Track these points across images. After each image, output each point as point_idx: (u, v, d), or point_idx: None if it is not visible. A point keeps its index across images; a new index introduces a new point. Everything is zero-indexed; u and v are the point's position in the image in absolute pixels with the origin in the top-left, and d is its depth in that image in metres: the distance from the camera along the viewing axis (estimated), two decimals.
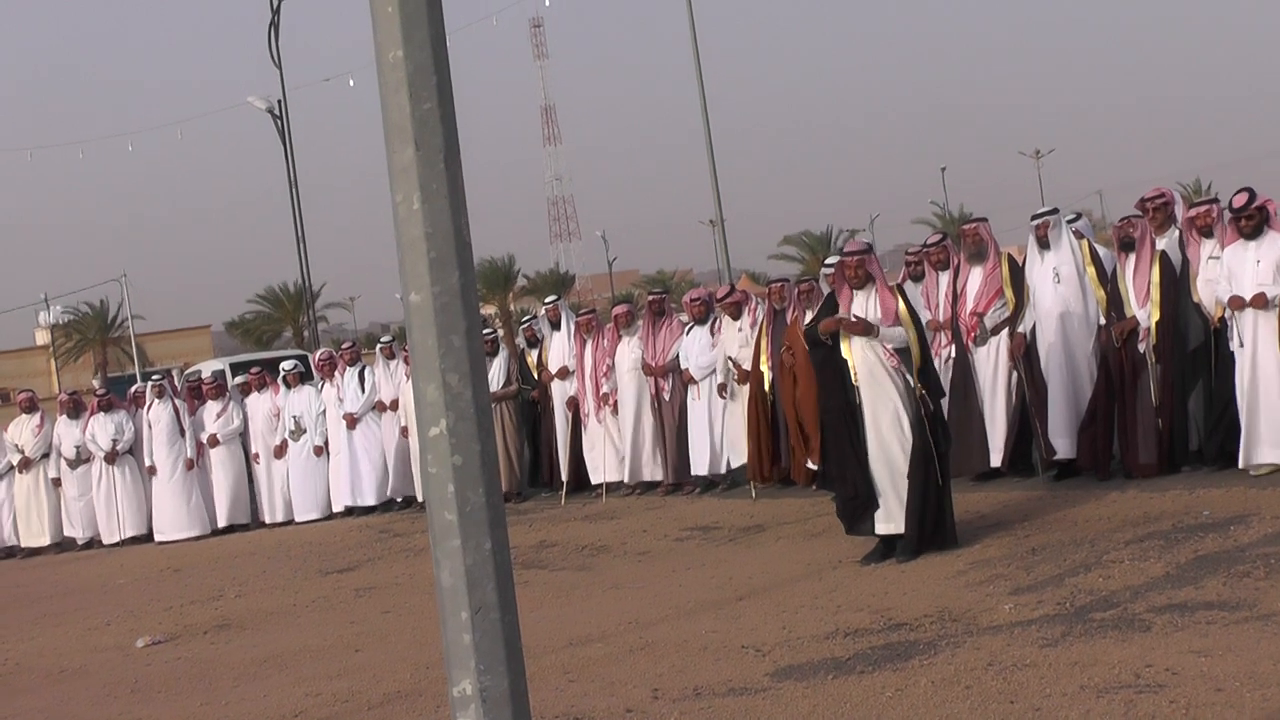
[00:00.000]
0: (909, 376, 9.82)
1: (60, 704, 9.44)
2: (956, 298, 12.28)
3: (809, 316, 10.89)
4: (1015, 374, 11.90)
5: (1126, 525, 9.74)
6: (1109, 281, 11.41)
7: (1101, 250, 12.03)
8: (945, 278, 12.55)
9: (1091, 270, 11.57)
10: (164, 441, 18.02)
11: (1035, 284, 11.71)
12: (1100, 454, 11.39)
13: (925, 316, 12.73)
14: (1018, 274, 11.91)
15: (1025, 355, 11.74)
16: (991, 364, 12.09)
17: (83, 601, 14.12)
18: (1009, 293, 11.89)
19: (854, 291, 10.02)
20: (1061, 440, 11.56)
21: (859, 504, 10.01)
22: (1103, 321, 11.43)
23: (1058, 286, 11.59)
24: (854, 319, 9.85)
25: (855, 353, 9.90)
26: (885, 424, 9.83)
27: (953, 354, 12.30)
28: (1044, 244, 11.73)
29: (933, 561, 9.67)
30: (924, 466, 9.80)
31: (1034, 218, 11.88)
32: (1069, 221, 12.27)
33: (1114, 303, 11.29)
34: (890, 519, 9.90)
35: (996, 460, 12.14)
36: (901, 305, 9.91)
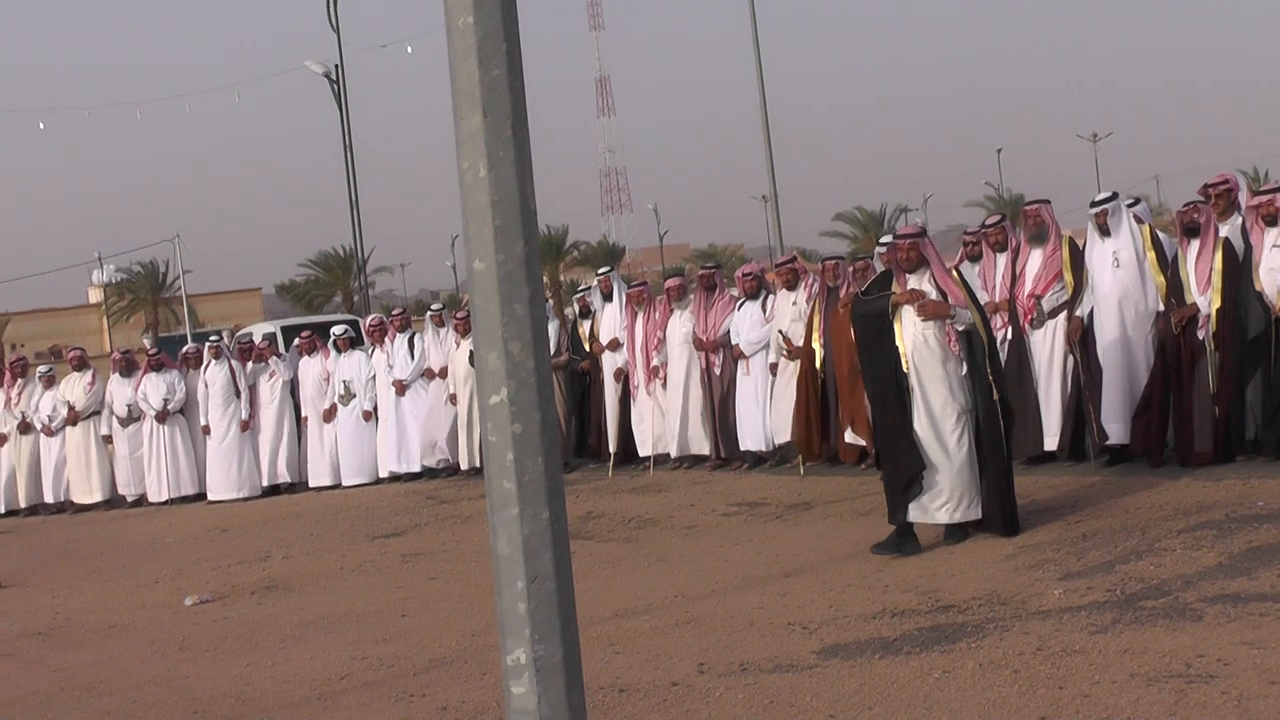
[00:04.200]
0: (972, 360, 9.60)
1: (109, 659, 9.53)
2: (1015, 279, 12.17)
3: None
4: (1071, 358, 11.80)
5: (1179, 513, 9.64)
6: (1169, 267, 11.29)
7: (1162, 236, 11.89)
8: (1003, 259, 12.45)
9: (1152, 255, 11.43)
10: (219, 403, 18.15)
11: (1094, 268, 11.58)
12: (1154, 441, 11.28)
13: (983, 298, 12.64)
14: (1078, 257, 11.78)
15: (1082, 339, 11.63)
16: (1048, 347, 11.98)
17: (132, 559, 14.25)
18: (1068, 276, 11.76)
19: (907, 275, 9.77)
20: (1116, 426, 11.44)
21: (908, 489, 9.71)
22: (1161, 307, 11.30)
23: (1117, 271, 11.46)
24: (933, 300, 9.57)
25: (908, 336, 9.67)
26: (937, 408, 9.58)
27: (1009, 336, 12.19)
28: (1104, 231, 11.60)
29: (982, 544, 9.60)
30: (990, 450, 9.61)
31: (1093, 205, 11.74)
32: (1128, 206, 12.13)
33: (1174, 289, 11.15)
34: (926, 510, 9.61)
35: (1051, 444, 12.03)
36: (960, 283, 9.78)
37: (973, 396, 9.65)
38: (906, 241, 9.83)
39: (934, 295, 9.66)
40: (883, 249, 13.48)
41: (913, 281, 9.78)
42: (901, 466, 9.68)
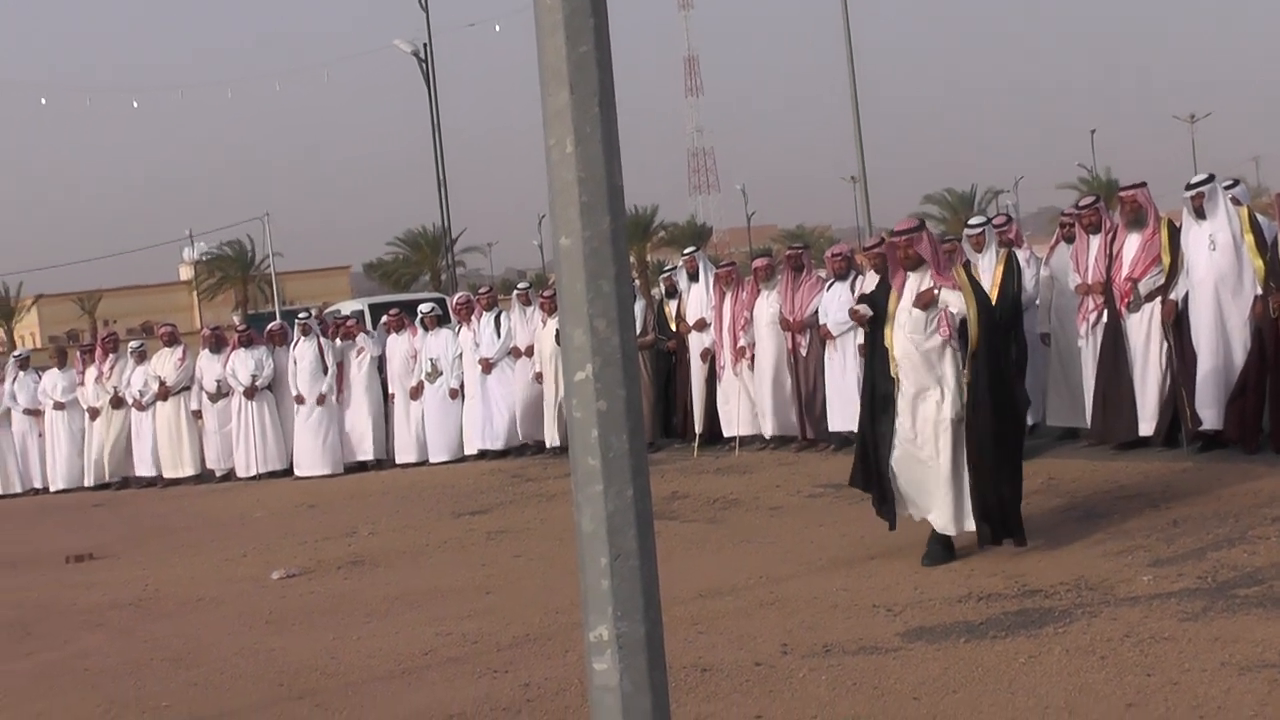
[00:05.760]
0: (961, 357, 9.03)
1: (197, 631, 9.64)
2: (1111, 262, 11.98)
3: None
4: (1167, 342, 11.59)
5: (1274, 501, 9.46)
6: (1268, 250, 11.05)
7: (1261, 218, 11.63)
8: (1097, 241, 12.26)
9: (1250, 238, 11.17)
10: (307, 379, 18.31)
11: (1190, 251, 11.34)
12: (1249, 427, 11.07)
13: (1074, 280, 12.43)
14: (1176, 239, 11.55)
15: (1176, 323, 11.43)
16: (1144, 331, 11.78)
17: (220, 533, 14.43)
18: (1166, 258, 11.55)
19: (908, 274, 9.29)
20: (1209, 411, 11.22)
21: (881, 495, 9.35)
22: (1259, 291, 11.07)
23: (1213, 254, 11.22)
24: (921, 291, 9.09)
25: (898, 343, 9.19)
26: (926, 414, 9.05)
27: (1104, 319, 12.02)
28: (1200, 213, 11.35)
29: (1069, 530, 9.49)
30: (982, 454, 8.96)
31: (1188, 187, 11.49)
32: (1226, 188, 11.88)
33: (1272, 272, 10.91)
34: (924, 512, 9.15)
35: (1146, 430, 11.85)
36: (962, 276, 9.22)
37: (964, 402, 9.01)
38: (903, 240, 9.29)
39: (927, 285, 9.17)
40: (972, 231, 13.36)
41: (912, 280, 9.26)
42: (875, 474, 9.33)
